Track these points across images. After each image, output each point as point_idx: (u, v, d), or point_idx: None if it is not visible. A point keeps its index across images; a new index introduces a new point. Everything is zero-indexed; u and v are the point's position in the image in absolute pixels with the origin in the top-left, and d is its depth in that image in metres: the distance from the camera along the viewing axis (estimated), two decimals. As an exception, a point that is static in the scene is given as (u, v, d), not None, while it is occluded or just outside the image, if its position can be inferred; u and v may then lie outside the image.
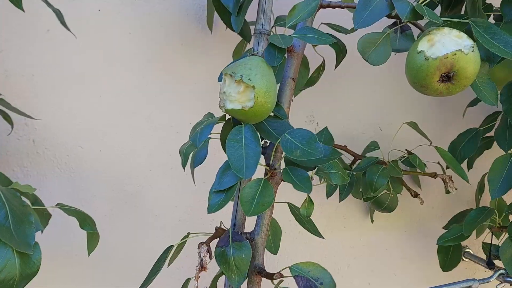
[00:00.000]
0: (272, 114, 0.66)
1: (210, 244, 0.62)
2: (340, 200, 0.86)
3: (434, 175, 0.88)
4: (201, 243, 0.60)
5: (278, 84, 0.71)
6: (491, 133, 0.90)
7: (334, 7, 0.70)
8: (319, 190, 0.91)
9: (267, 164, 0.64)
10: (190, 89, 0.93)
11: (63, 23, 0.73)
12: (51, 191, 0.88)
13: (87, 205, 0.89)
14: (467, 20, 0.61)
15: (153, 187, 0.92)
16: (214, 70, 0.93)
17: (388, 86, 1.00)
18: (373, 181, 0.80)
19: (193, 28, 0.93)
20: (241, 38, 0.84)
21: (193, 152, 0.67)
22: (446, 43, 0.57)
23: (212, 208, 0.57)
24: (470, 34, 0.61)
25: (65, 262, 0.88)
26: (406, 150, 0.85)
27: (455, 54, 0.55)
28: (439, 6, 0.81)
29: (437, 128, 1.03)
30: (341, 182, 0.69)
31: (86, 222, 0.73)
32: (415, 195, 0.90)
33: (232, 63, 0.62)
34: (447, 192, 0.88)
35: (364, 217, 0.99)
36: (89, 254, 0.75)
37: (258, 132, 0.64)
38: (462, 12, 0.79)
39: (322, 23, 0.78)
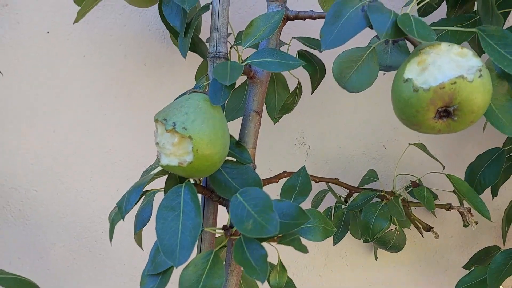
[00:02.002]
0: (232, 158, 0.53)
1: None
2: (334, 243, 0.72)
3: (448, 208, 0.72)
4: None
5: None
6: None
7: (303, 18, 0.55)
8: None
9: (224, 227, 0.50)
10: (156, 116, 0.80)
11: None
12: (5, 242, 0.78)
13: (46, 255, 0.79)
14: (473, 29, 0.46)
15: (120, 232, 0.80)
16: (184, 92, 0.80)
17: (392, 97, 0.85)
18: (370, 223, 0.66)
19: (157, 45, 0.80)
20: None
21: (136, 211, 0.55)
22: (443, 66, 0.42)
23: (144, 298, 0.44)
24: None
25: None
26: (411, 181, 0.70)
27: (455, 82, 0.40)
28: (445, 2, 0.65)
29: (452, 146, 0.87)
30: (323, 237, 0.55)
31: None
32: (428, 229, 0.75)
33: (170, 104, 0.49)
34: (466, 225, 0.72)
35: (369, 252, 0.85)
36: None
37: (213, 186, 0.51)
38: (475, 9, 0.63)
39: (293, 37, 0.63)
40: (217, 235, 0.56)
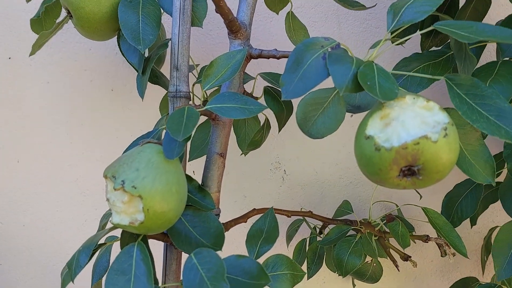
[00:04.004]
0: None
1: None
2: (308, 278, 0.70)
3: (425, 239, 0.70)
4: None
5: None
6: (500, 178, 0.71)
7: (267, 57, 0.53)
8: (291, 250, 0.75)
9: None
10: (124, 143, 0.76)
11: None
12: (-31, 276, 0.75)
13: (13, 289, 0.76)
14: (441, 77, 0.43)
15: (90, 263, 0.77)
16: (154, 118, 0.77)
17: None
18: (343, 260, 0.63)
19: (124, 69, 0.76)
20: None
21: (94, 261, 0.52)
22: (407, 122, 0.39)
23: None
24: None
25: None
26: (386, 215, 0.68)
27: (418, 143, 0.38)
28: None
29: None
30: (291, 285, 0.53)
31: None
32: (405, 258, 0.73)
33: (121, 157, 0.46)
34: (443, 256, 0.70)
35: (347, 279, 0.83)
36: None
37: (172, 238, 0.48)
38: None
39: (259, 73, 0.60)
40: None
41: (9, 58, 0.74)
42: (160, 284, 0.50)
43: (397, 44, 0.48)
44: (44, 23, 0.64)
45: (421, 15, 0.43)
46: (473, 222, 0.73)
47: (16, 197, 0.75)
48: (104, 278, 0.52)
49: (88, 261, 0.46)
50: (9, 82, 0.74)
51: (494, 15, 0.77)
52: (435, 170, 0.39)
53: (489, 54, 0.75)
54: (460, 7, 0.57)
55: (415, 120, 0.39)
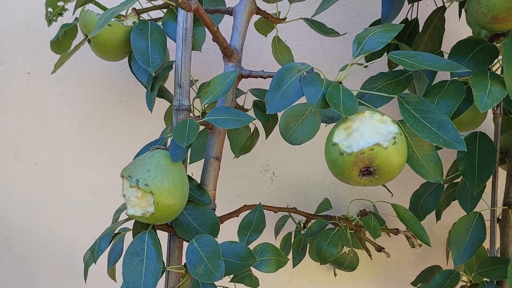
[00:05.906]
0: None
1: None
2: (293, 266, 0.79)
3: (396, 232, 0.80)
4: None
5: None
6: (460, 179, 0.82)
7: (255, 77, 0.62)
8: (279, 242, 0.85)
9: (185, 265, 0.58)
10: (131, 148, 0.87)
11: None
12: (-8, 267, 0.84)
13: (31, 279, 0.85)
14: (393, 95, 0.53)
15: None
16: (158, 125, 0.87)
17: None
18: (322, 249, 0.73)
19: (131, 82, 0.86)
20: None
21: (109, 248, 0.61)
22: (365, 133, 0.49)
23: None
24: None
25: None
26: (360, 210, 0.78)
27: (372, 149, 0.48)
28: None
29: (403, 173, 0.95)
30: (276, 269, 0.63)
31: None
32: (379, 249, 0.83)
33: (133, 160, 0.56)
34: (412, 247, 0.80)
35: (330, 269, 0.93)
36: None
37: (176, 228, 0.58)
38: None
39: (249, 90, 0.70)
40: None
41: (28, 73, 0.84)
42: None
43: (364, 66, 0.59)
44: (62, 44, 0.74)
45: (379, 45, 0.53)
46: (438, 217, 0.83)
47: (33, 196, 0.84)
48: (118, 263, 0.62)
49: (108, 246, 0.55)
50: (28, 94, 0.83)
51: (460, 34, 0.87)
52: (387, 171, 0.49)
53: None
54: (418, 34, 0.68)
55: (371, 131, 0.49)
